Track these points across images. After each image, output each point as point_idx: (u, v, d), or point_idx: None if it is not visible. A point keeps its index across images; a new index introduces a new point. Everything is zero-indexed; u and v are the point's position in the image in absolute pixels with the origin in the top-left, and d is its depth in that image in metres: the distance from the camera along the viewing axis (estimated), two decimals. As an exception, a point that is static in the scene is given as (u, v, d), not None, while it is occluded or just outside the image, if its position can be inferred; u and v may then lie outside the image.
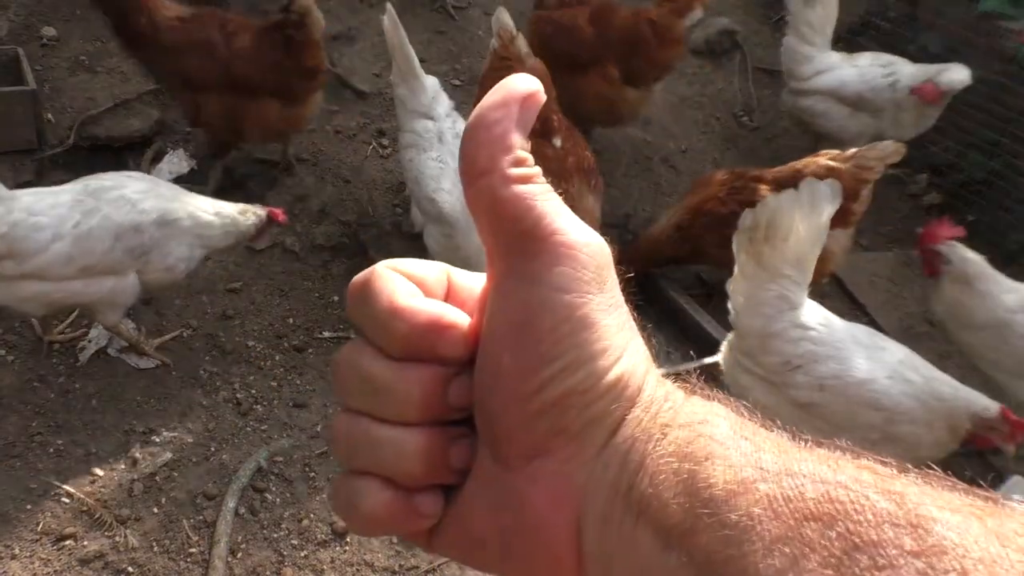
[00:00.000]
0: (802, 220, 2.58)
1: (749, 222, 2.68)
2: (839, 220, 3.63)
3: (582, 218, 0.51)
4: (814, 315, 2.72)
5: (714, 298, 4.21)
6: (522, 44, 3.91)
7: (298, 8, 3.77)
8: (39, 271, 2.78)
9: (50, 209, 2.81)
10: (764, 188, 3.65)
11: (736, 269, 2.77)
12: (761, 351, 2.70)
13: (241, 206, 3.25)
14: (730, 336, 2.88)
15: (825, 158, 3.67)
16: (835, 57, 4.69)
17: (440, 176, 3.42)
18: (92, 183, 2.97)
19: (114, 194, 2.93)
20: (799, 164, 3.70)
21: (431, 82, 3.62)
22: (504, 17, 3.91)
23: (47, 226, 2.77)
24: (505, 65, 3.90)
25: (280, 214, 3.40)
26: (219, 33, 3.84)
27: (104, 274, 2.90)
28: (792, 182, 3.61)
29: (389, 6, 3.46)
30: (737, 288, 2.76)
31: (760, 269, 2.66)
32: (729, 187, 3.71)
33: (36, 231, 2.75)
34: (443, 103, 3.62)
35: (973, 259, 3.27)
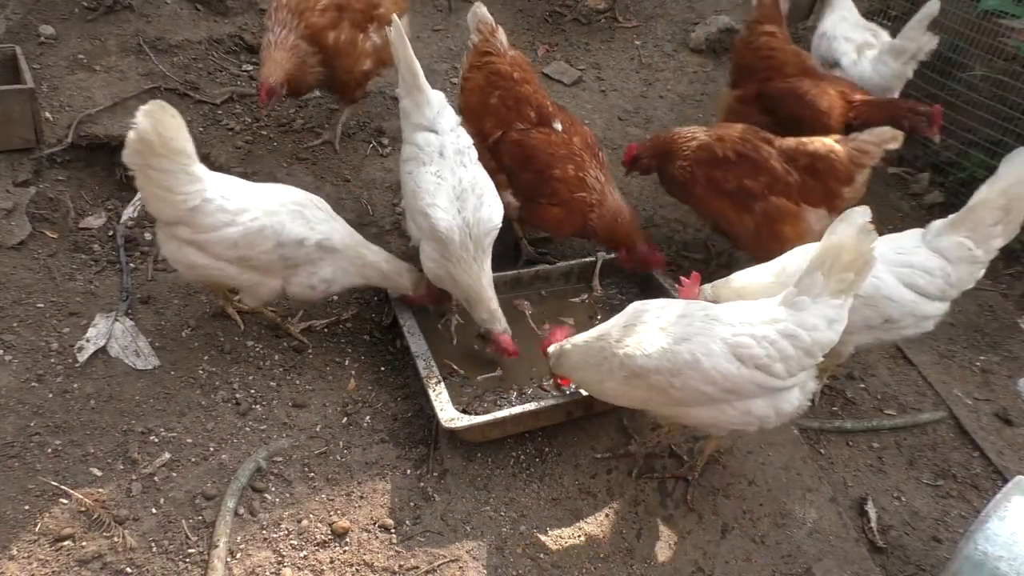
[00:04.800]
0: None
1: None
2: (825, 201, 3.72)
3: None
4: None
5: (711, 264, 4.31)
6: (502, 36, 3.88)
7: None
8: (204, 243, 3.12)
9: (239, 198, 3.15)
10: (766, 149, 3.78)
11: None
12: None
13: (408, 265, 3.52)
14: None
15: (830, 138, 3.77)
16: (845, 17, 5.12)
17: (436, 191, 3.30)
18: (284, 194, 3.33)
19: (295, 206, 3.27)
20: (805, 139, 3.80)
21: (436, 96, 3.50)
22: (482, 11, 3.89)
23: (230, 210, 3.10)
24: (487, 60, 3.89)
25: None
26: None
27: (254, 269, 3.23)
28: (795, 155, 3.74)
29: (395, 18, 3.38)
30: None
31: None
32: (740, 137, 3.85)
33: (220, 212, 3.08)
34: (448, 117, 3.49)
35: None
